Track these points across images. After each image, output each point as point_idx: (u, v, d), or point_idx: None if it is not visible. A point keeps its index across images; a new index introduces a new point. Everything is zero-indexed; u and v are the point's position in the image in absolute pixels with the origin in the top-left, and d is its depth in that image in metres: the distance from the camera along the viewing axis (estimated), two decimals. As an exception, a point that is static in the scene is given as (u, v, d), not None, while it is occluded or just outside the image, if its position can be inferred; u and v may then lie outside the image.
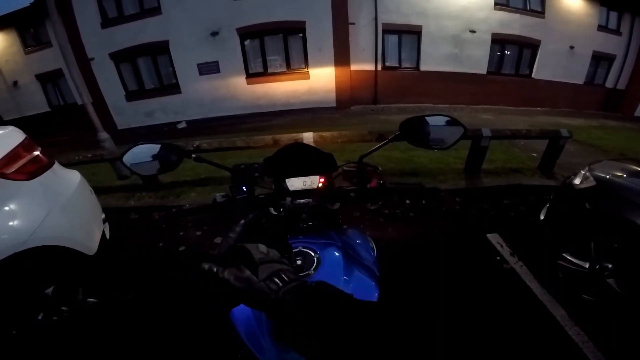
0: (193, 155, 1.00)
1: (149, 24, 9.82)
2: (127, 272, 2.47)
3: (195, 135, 7.54)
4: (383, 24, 10.21)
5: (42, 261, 1.63)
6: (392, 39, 10.65)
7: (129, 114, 10.83)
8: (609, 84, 13.37)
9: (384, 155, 4.64)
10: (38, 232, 1.60)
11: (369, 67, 10.59)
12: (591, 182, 2.24)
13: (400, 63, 11.02)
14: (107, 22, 9.98)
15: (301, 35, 9.87)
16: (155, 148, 0.98)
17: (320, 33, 9.68)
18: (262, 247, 0.50)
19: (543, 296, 2.19)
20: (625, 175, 2.19)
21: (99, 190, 3.63)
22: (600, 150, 5.99)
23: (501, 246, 2.73)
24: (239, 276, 0.44)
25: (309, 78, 10.23)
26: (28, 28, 11.06)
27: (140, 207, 3.74)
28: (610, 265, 1.93)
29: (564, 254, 2.24)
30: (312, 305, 0.41)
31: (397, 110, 10.06)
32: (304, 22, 9.63)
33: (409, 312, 0.43)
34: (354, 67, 10.23)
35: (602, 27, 12.18)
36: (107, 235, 2.24)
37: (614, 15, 12.27)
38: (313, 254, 0.82)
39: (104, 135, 4.78)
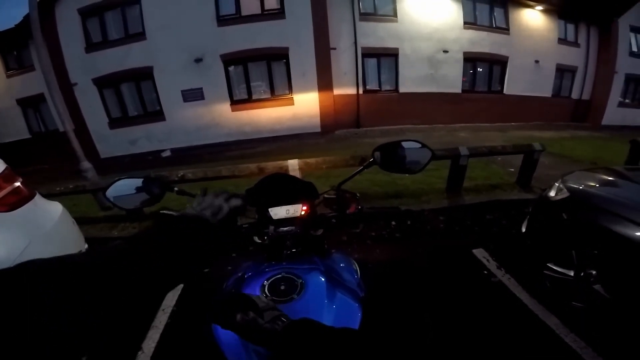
0: (175, 189, 1.01)
1: (133, 49, 9.84)
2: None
3: (180, 164, 7.46)
4: (362, 48, 10.55)
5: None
6: (372, 62, 11.02)
7: (112, 141, 10.62)
8: (575, 95, 13.95)
9: (367, 179, 4.71)
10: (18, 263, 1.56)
11: (351, 90, 10.83)
12: (565, 194, 2.34)
13: (380, 86, 11.33)
14: (91, 47, 9.96)
15: (284, 61, 10.10)
16: (137, 182, 0.99)
17: (303, 59, 9.92)
18: (263, 298, 0.66)
19: (534, 306, 2.22)
20: (596, 185, 2.32)
21: (82, 221, 3.52)
22: (573, 161, 6.27)
23: (487, 260, 2.78)
24: (246, 319, 0.59)
25: (293, 104, 10.37)
26: (11, 50, 10.84)
27: (124, 238, 3.62)
28: (594, 272, 1.99)
29: (548, 264, 2.29)
30: (303, 338, 0.55)
31: (380, 132, 10.25)
32: (287, 49, 9.88)
33: (397, 333, 0.50)
34: (336, 91, 10.44)
35: (562, 40, 12.82)
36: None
37: (571, 28, 12.96)
38: (296, 280, 0.84)
39: (86, 165, 4.69)
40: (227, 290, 0.97)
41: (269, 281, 0.85)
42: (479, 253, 2.89)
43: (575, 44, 13.18)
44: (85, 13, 9.79)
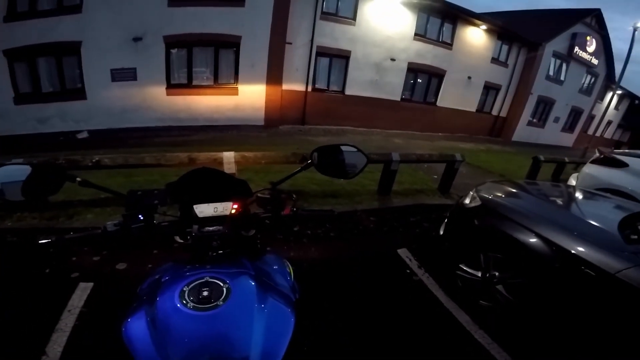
0: (78, 179, 0.87)
1: (63, 22, 8.54)
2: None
3: (98, 147, 6.58)
4: (317, 47, 10.60)
5: None
6: (324, 61, 11.13)
7: (15, 118, 9.01)
8: (495, 111, 15.79)
9: (307, 176, 4.71)
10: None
11: (300, 87, 10.82)
12: (477, 202, 2.62)
13: (328, 86, 11.53)
14: (12, 16, 8.37)
15: (234, 49, 9.66)
16: (27, 169, 0.84)
17: (255, 50, 9.60)
18: None
19: (448, 303, 2.44)
20: (503, 196, 2.64)
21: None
22: (486, 172, 7.19)
23: (410, 260, 2.99)
24: None
25: (237, 94, 9.98)
26: None
27: (20, 229, 3.09)
28: (497, 274, 2.27)
29: (460, 265, 2.56)
30: None
31: (323, 131, 10.45)
32: (239, 37, 9.47)
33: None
34: (285, 86, 10.33)
35: (494, 60, 14.33)
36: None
37: (505, 49, 14.48)
38: (222, 284, 0.78)
39: (-28, 143, 3.90)
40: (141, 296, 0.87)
41: (190, 286, 0.77)
42: (403, 253, 3.10)
43: (504, 64, 14.81)
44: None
